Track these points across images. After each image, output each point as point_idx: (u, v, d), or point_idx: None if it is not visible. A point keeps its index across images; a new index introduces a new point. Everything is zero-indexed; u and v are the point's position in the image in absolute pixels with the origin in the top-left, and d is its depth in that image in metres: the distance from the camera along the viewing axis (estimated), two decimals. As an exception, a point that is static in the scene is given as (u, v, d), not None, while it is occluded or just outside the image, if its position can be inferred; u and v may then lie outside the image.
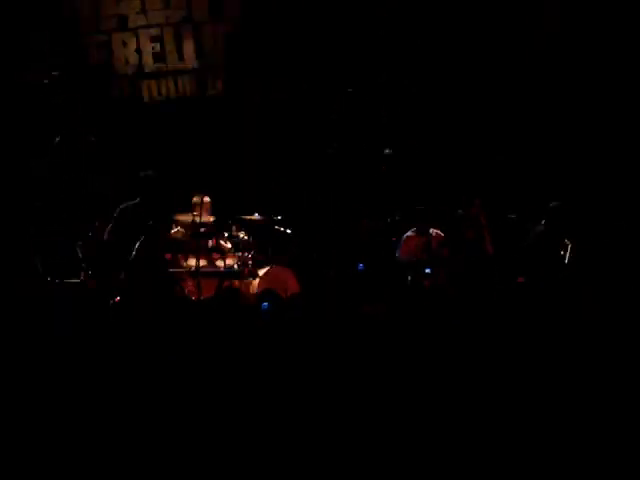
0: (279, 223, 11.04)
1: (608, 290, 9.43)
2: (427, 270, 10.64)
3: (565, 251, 10.66)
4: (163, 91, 11.96)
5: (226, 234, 10.72)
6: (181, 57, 12.01)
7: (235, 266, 10.68)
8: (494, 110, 12.30)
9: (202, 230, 10.17)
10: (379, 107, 12.39)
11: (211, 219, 10.79)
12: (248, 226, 10.79)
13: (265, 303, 6.06)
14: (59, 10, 11.48)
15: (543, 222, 10.46)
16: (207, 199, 10.73)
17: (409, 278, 10.79)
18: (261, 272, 10.66)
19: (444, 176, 12.18)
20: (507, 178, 12.31)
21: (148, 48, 11.82)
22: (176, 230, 10.35)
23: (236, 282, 10.62)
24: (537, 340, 5.47)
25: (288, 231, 10.99)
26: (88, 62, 11.68)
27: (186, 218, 10.59)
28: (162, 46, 11.90)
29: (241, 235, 10.77)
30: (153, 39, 11.87)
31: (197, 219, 10.31)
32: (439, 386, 4.76)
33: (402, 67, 12.39)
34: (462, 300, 7.80)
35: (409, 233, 11.00)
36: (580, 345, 5.29)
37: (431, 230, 11.06)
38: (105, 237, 9.26)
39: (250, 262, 10.66)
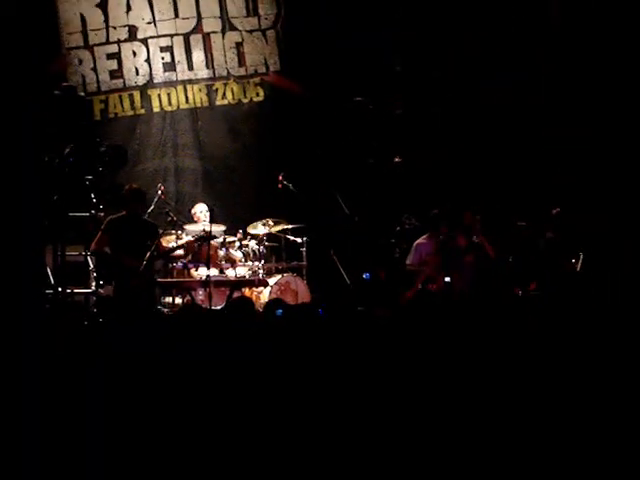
0: (291, 232, 11.05)
1: (618, 298, 9.41)
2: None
3: (577, 260, 10.63)
4: (173, 101, 11.99)
5: (237, 244, 10.73)
6: (191, 67, 12.04)
7: (246, 275, 10.68)
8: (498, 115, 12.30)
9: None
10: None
11: (222, 228, 10.81)
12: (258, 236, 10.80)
13: (279, 310, 6.06)
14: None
15: (551, 230, 10.43)
16: (205, 207, 10.77)
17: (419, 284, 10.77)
18: (272, 281, 10.65)
19: (450, 182, 12.15)
20: (513, 184, 12.28)
21: (158, 58, 11.86)
22: (184, 240, 10.33)
23: (247, 292, 10.62)
24: (544, 347, 5.45)
25: (298, 240, 11.00)
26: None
27: (194, 227, 10.60)
28: (172, 56, 11.94)
29: (251, 245, 10.76)
30: (163, 49, 11.92)
31: (206, 228, 10.30)
32: (444, 391, 4.75)
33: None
34: (470, 305, 7.79)
35: (420, 240, 10.96)
36: (589, 354, 5.27)
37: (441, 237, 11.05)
38: (93, 248, 9.46)
39: (261, 271, 10.66)
